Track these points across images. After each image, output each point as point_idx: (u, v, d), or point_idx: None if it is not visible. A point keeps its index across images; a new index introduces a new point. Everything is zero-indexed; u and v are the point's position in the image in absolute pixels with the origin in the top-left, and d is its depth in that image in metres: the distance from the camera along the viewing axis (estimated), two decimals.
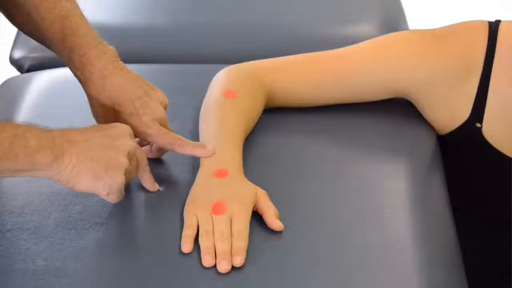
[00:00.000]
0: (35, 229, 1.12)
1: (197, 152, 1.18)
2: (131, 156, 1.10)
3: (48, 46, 1.22)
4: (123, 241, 1.11)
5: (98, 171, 1.06)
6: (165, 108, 1.20)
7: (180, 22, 1.70)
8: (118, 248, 1.10)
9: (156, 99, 1.19)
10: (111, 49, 1.19)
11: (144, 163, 1.15)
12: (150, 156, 1.22)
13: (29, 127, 1.04)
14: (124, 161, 1.08)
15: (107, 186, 1.08)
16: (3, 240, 1.10)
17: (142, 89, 1.18)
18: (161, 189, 1.17)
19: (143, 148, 1.20)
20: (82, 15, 1.19)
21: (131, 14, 1.71)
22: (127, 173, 1.09)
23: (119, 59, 1.18)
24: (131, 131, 1.12)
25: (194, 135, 1.26)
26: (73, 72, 1.19)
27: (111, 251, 1.10)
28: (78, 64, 1.17)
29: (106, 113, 1.18)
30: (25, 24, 1.21)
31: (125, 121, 1.16)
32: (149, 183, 1.17)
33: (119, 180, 1.08)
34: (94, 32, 1.18)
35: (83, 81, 1.18)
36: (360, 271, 1.09)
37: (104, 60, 1.16)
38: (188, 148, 1.18)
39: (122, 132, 1.10)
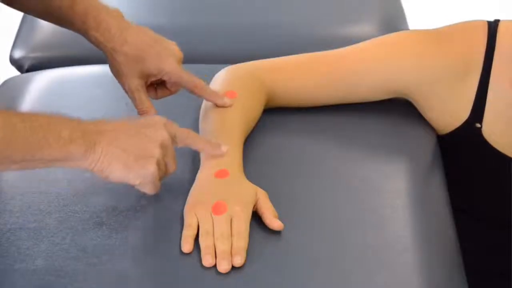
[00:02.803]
0: (35, 229, 1.12)
1: (215, 100, 1.25)
2: (165, 147, 1.10)
3: (56, 19, 1.26)
4: (123, 241, 1.11)
5: (128, 161, 1.07)
6: None
7: (180, 22, 1.70)
8: (118, 248, 1.10)
9: (170, 42, 1.26)
10: (117, 9, 1.25)
11: (191, 136, 1.15)
12: (163, 96, 1.28)
13: (61, 118, 1.05)
14: (156, 151, 1.08)
15: (138, 176, 1.08)
16: (3, 240, 1.10)
17: (156, 36, 1.25)
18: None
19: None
20: None
21: (131, 14, 1.70)
22: (160, 164, 1.09)
23: (124, 17, 1.25)
24: (165, 122, 1.12)
25: None
26: (89, 35, 1.23)
27: (111, 251, 1.10)
28: (95, 25, 1.22)
29: (130, 65, 1.23)
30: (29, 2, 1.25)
31: (151, 64, 1.23)
32: (214, 149, 1.16)
33: (151, 169, 1.08)
34: None
35: (103, 40, 1.23)
36: (360, 271, 1.09)
37: (115, 19, 1.23)
38: (208, 93, 1.25)
39: (156, 123, 1.11)
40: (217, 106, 1.25)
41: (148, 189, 1.10)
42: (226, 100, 1.25)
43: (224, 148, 1.17)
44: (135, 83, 1.24)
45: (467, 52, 1.29)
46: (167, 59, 1.24)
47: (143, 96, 1.25)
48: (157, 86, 1.28)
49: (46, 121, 1.03)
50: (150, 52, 1.23)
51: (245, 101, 1.28)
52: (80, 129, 1.05)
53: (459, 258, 1.21)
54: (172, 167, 1.12)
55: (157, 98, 1.28)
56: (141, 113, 1.25)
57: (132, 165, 1.07)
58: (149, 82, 1.26)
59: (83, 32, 1.24)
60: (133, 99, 1.25)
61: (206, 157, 1.19)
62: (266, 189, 1.15)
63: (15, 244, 1.10)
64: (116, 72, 1.25)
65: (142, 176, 1.08)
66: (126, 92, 1.25)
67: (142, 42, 1.23)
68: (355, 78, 1.32)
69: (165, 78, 1.25)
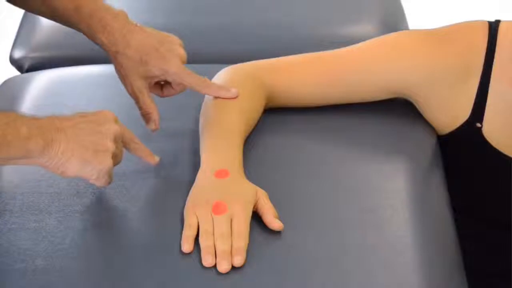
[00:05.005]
0: (35, 229, 1.12)
1: (221, 94, 1.27)
2: (116, 140, 1.11)
3: (61, 20, 1.27)
4: (123, 241, 1.11)
5: (86, 156, 1.08)
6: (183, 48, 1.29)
7: (180, 22, 1.70)
8: (118, 248, 1.10)
9: (175, 42, 1.27)
10: (122, 11, 1.26)
11: (134, 141, 1.17)
12: (169, 95, 1.29)
13: (19, 116, 1.06)
14: (110, 145, 1.10)
15: (95, 171, 1.09)
16: (3, 240, 1.10)
17: (161, 37, 1.26)
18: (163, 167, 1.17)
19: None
20: None
21: (131, 14, 1.70)
22: (113, 156, 1.11)
23: (129, 19, 1.26)
24: (114, 116, 1.14)
25: (195, 135, 1.26)
26: (93, 37, 1.25)
27: (111, 251, 1.10)
28: (99, 28, 1.24)
29: (133, 67, 1.24)
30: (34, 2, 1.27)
31: (154, 67, 1.23)
32: (148, 156, 1.19)
33: (107, 163, 1.09)
34: None
35: (107, 43, 1.24)
36: (360, 271, 1.09)
37: (119, 21, 1.24)
38: (213, 89, 1.27)
39: (107, 117, 1.12)
40: (224, 97, 1.27)
41: (104, 182, 1.12)
42: (233, 91, 1.27)
43: (157, 158, 1.19)
44: (139, 84, 1.25)
45: (467, 52, 1.29)
46: (170, 61, 1.24)
47: (146, 98, 1.25)
48: (162, 84, 1.29)
49: (4, 120, 1.04)
50: (153, 54, 1.24)
51: (245, 101, 1.27)
52: (38, 125, 1.06)
53: (459, 258, 1.21)
54: (120, 158, 1.14)
55: (162, 96, 1.29)
56: (144, 114, 1.26)
57: (90, 161, 1.08)
58: (153, 82, 1.27)
59: (88, 35, 1.25)
60: (136, 100, 1.26)
61: (207, 157, 1.19)
62: (266, 189, 1.15)
63: (15, 244, 1.10)
64: (120, 74, 1.26)
65: (99, 171, 1.09)
66: (130, 94, 1.26)
67: (145, 45, 1.24)
68: (355, 78, 1.32)
69: (168, 79, 1.26)
